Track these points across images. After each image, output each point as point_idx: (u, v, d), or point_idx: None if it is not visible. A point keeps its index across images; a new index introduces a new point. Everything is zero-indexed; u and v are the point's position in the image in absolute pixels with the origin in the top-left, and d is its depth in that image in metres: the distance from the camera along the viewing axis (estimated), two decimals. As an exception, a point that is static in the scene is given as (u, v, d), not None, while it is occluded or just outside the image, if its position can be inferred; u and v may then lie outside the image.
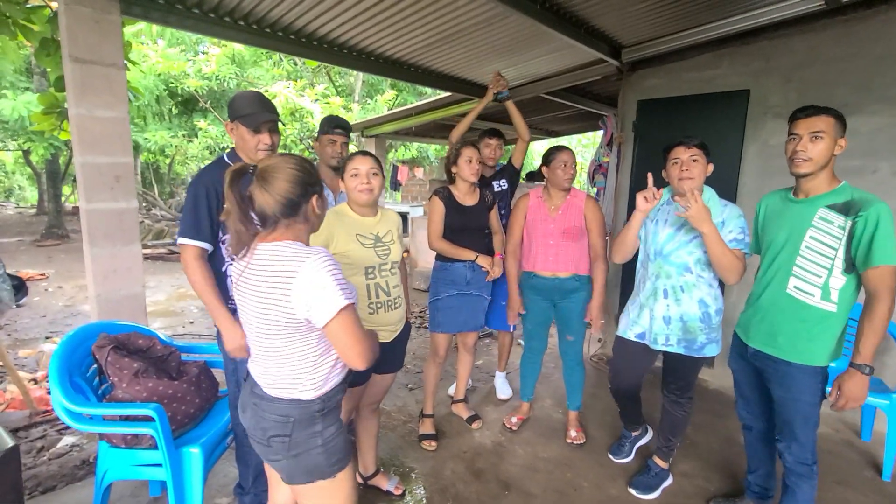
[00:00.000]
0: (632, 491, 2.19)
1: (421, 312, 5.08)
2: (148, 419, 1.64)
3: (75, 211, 13.16)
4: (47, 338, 4.24)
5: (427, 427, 2.61)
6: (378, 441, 2.18)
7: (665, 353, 2.07)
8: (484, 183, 3.01)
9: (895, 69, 2.60)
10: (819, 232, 1.59)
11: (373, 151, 6.85)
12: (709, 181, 1.96)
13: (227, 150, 1.84)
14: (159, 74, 7.64)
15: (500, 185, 2.99)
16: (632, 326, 2.11)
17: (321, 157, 2.38)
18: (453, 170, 2.47)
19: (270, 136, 1.72)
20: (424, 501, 2.14)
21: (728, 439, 2.69)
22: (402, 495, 2.15)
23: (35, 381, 3.20)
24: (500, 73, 3.02)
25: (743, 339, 1.85)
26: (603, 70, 3.79)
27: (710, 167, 1.93)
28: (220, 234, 1.70)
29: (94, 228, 2.28)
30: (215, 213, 1.65)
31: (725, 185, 3.20)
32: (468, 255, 2.45)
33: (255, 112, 1.69)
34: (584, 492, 2.22)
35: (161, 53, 7.73)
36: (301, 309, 1.12)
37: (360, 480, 2.19)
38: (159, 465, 1.69)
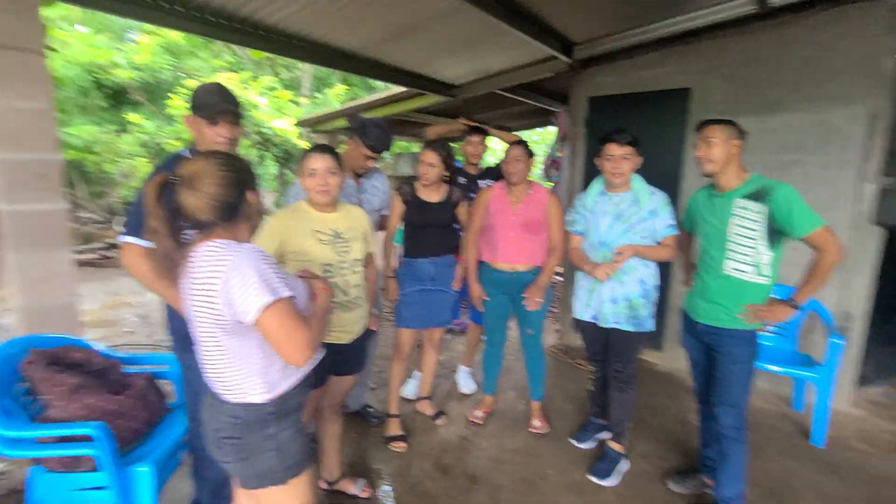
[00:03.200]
0: (592, 478, 2.25)
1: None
2: (88, 439, 1.50)
3: None
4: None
5: (393, 428, 2.55)
6: (342, 444, 2.12)
7: (613, 332, 2.21)
8: (470, 180, 3.01)
9: (820, 70, 2.82)
10: (740, 219, 1.83)
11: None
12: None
13: (188, 146, 1.72)
14: (85, 64, 7.01)
15: (485, 184, 3.00)
16: (585, 309, 2.28)
17: (350, 161, 2.32)
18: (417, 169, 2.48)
19: (230, 128, 1.63)
20: (393, 502, 2.11)
21: (680, 419, 2.83)
22: (370, 498, 2.10)
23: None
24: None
25: (693, 318, 2.01)
26: (555, 67, 3.86)
27: (640, 160, 2.14)
28: None
29: (17, 232, 2.05)
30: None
31: (669, 178, 3.36)
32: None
33: (213, 102, 1.59)
34: (550, 479, 2.27)
35: (85, 41, 7.08)
36: (226, 309, 1.06)
37: (324, 486, 2.12)
38: (103, 487, 1.55)
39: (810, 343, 3.01)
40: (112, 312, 5.17)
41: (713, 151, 1.83)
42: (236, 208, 1.14)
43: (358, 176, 2.41)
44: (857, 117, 2.74)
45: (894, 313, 3.15)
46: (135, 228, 1.51)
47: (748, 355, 1.88)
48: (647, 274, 2.16)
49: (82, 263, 7.73)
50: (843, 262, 2.83)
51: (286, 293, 1.09)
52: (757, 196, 1.79)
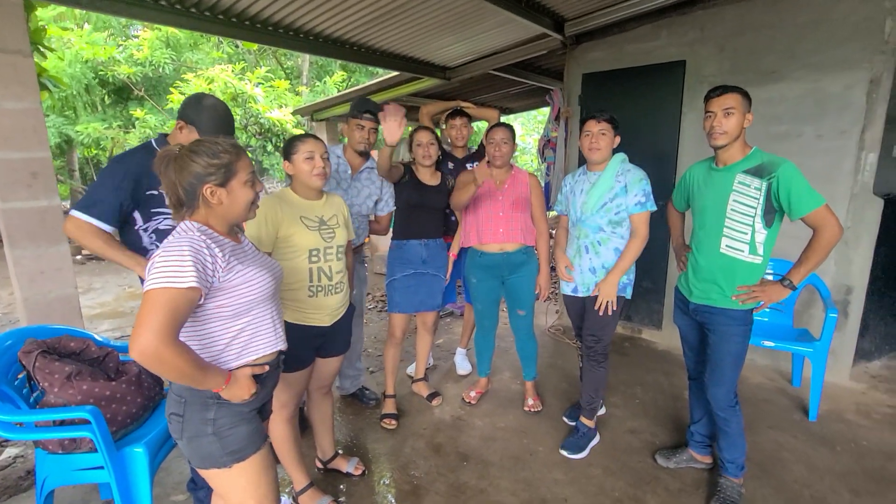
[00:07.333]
0: (563, 452, 2.29)
1: (382, 296, 5.06)
2: (85, 422, 1.57)
3: (9, 212, 12.20)
4: (-18, 348, 3.98)
5: (389, 407, 2.63)
6: (333, 425, 2.18)
7: (590, 301, 2.23)
8: (458, 164, 3.00)
9: (816, 36, 2.73)
10: (739, 195, 1.77)
11: (323, 136, 6.64)
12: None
13: (156, 136, 1.76)
14: (86, 61, 7.10)
15: (472, 166, 2.99)
16: (567, 283, 2.32)
17: (349, 141, 2.39)
18: (411, 154, 2.49)
19: None
20: (385, 479, 2.17)
21: (674, 397, 2.84)
22: (363, 475, 2.17)
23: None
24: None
25: (686, 296, 2.00)
26: (548, 45, 3.79)
27: (618, 139, 2.14)
28: (141, 222, 1.65)
29: (13, 229, 2.14)
30: (126, 197, 1.60)
31: (666, 151, 3.31)
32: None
33: (221, 132, 1.65)
34: (539, 455, 2.31)
35: (86, 38, 7.16)
36: None
37: (319, 465, 2.20)
38: (102, 467, 1.64)
39: (808, 318, 2.97)
40: (126, 304, 5.33)
41: (730, 122, 1.71)
42: (193, 193, 1.18)
43: (360, 154, 2.42)
44: (857, 84, 2.65)
45: (894, 286, 3.08)
46: (85, 206, 1.58)
47: (740, 335, 1.85)
48: (623, 245, 2.17)
49: (98, 258, 7.96)
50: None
51: (175, 285, 1.05)
52: (759, 171, 1.72)
